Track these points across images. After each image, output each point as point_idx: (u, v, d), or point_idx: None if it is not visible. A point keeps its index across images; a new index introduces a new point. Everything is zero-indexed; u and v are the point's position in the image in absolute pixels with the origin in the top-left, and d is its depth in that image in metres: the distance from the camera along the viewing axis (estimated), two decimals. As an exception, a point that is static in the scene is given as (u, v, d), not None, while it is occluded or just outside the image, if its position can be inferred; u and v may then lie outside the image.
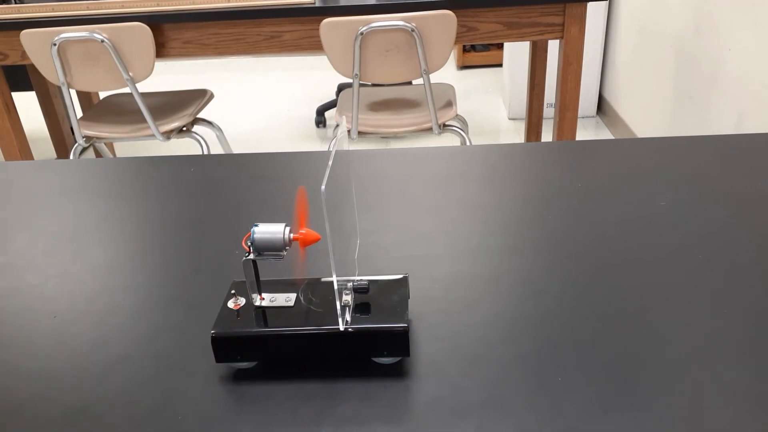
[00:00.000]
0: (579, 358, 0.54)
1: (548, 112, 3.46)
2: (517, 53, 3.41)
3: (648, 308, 0.60)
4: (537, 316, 0.59)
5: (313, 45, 2.21)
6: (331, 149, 0.51)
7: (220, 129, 2.54)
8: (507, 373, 0.53)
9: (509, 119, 3.56)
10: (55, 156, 3.05)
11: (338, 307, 0.52)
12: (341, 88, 3.85)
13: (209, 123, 2.50)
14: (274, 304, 0.55)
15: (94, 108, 2.52)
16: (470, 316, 0.60)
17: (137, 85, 2.17)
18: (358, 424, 0.49)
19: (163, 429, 0.50)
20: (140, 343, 0.59)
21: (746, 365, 0.53)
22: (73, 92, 3.91)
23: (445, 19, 1.95)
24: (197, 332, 0.60)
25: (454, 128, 2.22)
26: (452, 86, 2.41)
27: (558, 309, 0.60)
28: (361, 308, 0.54)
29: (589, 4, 3.20)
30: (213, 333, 0.53)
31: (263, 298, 0.56)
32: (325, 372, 0.54)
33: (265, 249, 0.53)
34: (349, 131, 2.20)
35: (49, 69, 2.13)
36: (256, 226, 0.54)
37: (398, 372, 0.54)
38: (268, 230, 0.53)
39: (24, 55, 2.26)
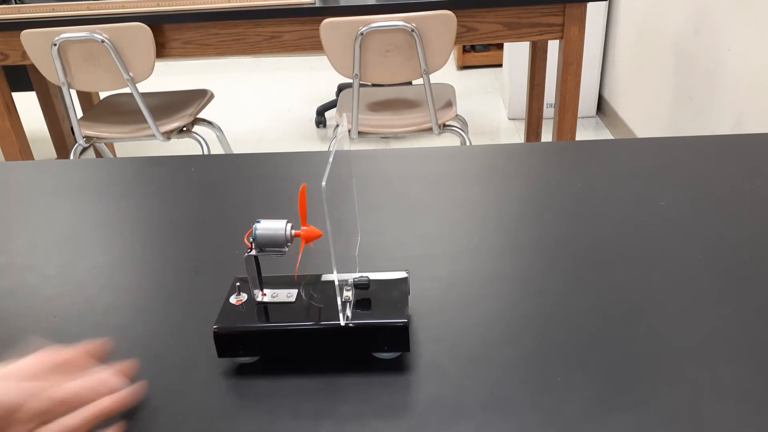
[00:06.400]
0: (579, 358, 0.54)
1: (548, 112, 3.46)
2: (517, 53, 3.41)
3: (648, 308, 0.60)
4: (537, 316, 0.59)
5: (313, 45, 2.21)
6: (331, 148, 0.51)
7: (220, 129, 2.54)
8: (507, 373, 0.53)
9: (509, 119, 3.56)
10: (55, 156, 3.05)
11: (339, 302, 0.52)
12: (341, 88, 3.85)
13: (209, 123, 2.50)
14: (276, 299, 0.55)
15: (94, 108, 2.52)
16: (470, 315, 0.60)
17: (137, 85, 2.17)
18: (359, 423, 0.49)
19: (163, 428, 0.50)
20: (140, 343, 0.59)
21: (745, 365, 0.53)
22: (73, 92, 3.90)
23: (445, 19, 1.95)
24: (198, 331, 0.60)
25: (454, 128, 2.22)
26: (452, 86, 2.41)
27: (558, 309, 0.60)
28: (361, 304, 0.54)
29: (589, 4, 3.20)
30: (215, 328, 0.53)
31: (265, 294, 0.56)
32: (326, 367, 0.54)
33: (266, 245, 0.54)
34: (349, 131, 2.20)
35: (50, 69, 2.13)
36: (259, 222, 0.54)
37: (399, 371, 0.54)
38: (270, 226, 0.54)
39: (24, 55, 2.26)
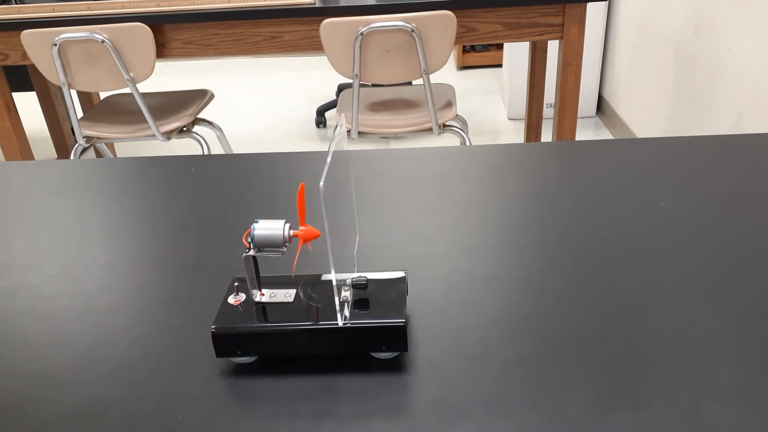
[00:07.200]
0: (579, 358, 0.54)
1: (548, 112, 3.46)
2: (516, 54, 3.41)
3: (647, 308, 0.60)
4: (537, 316, 0.59)
5: (313, 45, 2.21)
6: (330, 148, 0.52)
7: (220, 129, 2.54)
8: (507, 373, 0.53)
9: (509, 119, 3.56)
10: (55, 156, 3.05)
11: (337, 302, 0.52)
12: (341, 88, 3.85)
13: (210, 123, 2.50)
14: (274, 299, 0.56)
15: (94, 108, 2.52)
16: (470, 315, 0.60)
17: (138, 85, 2.17)
18: (359, 423, 0.49)
19: (163, 429, 0.50)
20: (140, 343, 0.59)
21: (745, 365, 0.53)
22: (73, 92, 3.91)
23: (444, 19, 1.95)
24: (197, 331, 0.60)
25: (453, 128, 2.22)
26: (452, 86, 2.41)
27: (558, 309, 0.60)
28: (359, 304, 0.54)
29: (589, 5, 3.20)
30: (213, 328, 0.53)
31: (263, 294, 0.56)
32: (325, 367, 0.54)
33: (265, 245, 0.54)
34: (349, 131, 2.20)
35: (50, 69, 2.14)
36: (257, 222, 0.54)
37: (399, 371, 0.54)
38: (268, 227, 0.54)
39: (24, 55, 2.26)
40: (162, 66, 4.80)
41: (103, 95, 4.13)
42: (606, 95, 3.42)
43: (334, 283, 0.52)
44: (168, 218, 0.80)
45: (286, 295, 0.56)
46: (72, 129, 2.32)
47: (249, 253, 0.54)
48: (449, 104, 2.26)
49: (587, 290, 0.62)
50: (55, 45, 2.04)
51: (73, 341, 0.60)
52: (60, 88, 2.18)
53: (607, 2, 3.27)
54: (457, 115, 2.27)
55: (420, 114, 2.23)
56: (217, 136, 2.56)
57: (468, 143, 2.26)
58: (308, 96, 4.10)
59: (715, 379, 0.51)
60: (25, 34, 2.06)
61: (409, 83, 2.89)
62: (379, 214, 0.78)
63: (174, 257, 0.72)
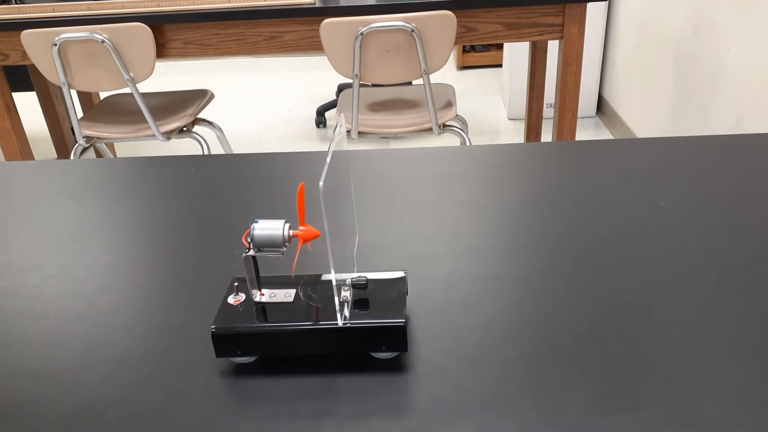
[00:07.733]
0: (579, 358, 0.54)
1: (548, 112, 3.46)
2: (516, 54, 3.41)
3: (647, 308, 0.60)
4: (537, 316, 0.59)
5: (313, 45, 2.22)
6: (329, 148, 0.52)
7: (220, 129, 2.54)
8: (507, 373, 0.53)
9: (509, 119, 3.56)
10: (55, 156, 3.05)
11: (337, 302, 0.52)
12: (341, 88, 3.85)
13: (210, 123, 2.50)
14: (274, 299, 0.56)
15: (94, 108, 2.52)
16: (470, 316, 0.60)
17: (138, 85, 2.17)
18: (359, 423, 0.49)
19: (163, 429, 0.50)
20: (140, 343, 0.59)
21: (746, 365, 0.53)
22: (73, 92, 3.91)
23: (444, 19, 1.95)
24: (197, 331, 0.60)
25: (453, 128, 2.22)
26: (452, 86, 2.41)
27: (558, 309, 0.60)
28: (359, 304, 0.54)
29: (589, 5, 3.20)
30: (213, 328, 0.53)
31: (263, 294, 0.56)
32: (325, 367, 0.54)
33: (264, 245, 0.54)
34: (349, 131, 2.20)
35: (50, 69, 2.14)
36: (256, 222, 0.54)
37: (399, 371, 0.54)
38: (268, 227, 0.54)
39: (25, 55, 2.26)
40: (162, 66, 4.80)
41: (103, 95, 4.13)
42: (606, 95, 3.43)
43: (334, 283, 0.52)
44: (168, 218, 0.80)
45: (286, 295, 0.56)
46: (72, 129, 2.33)
47: (249, 253, 0.54)
48: (449, 104, 2.26)
49: (587, 290, 0.62)
50: (55, 45, 2.04)
51: (73, 341, 0.60)
52: (60, 88, 2.19)
53: (607, 2, 3.27)
54: (457, 115, 2.27)
55: (420, 114, 2.23)
56: (217, 136, 2.56)
57: (468, 143, 2.26)
58: (308, 96, 4.10)
59: (715, 379, 0.51)
60: (25, 34, 2.06)
61: (409, 83, 2.90)
62: (379, 214, 0.78)
63: (174, 257, 0.72)
